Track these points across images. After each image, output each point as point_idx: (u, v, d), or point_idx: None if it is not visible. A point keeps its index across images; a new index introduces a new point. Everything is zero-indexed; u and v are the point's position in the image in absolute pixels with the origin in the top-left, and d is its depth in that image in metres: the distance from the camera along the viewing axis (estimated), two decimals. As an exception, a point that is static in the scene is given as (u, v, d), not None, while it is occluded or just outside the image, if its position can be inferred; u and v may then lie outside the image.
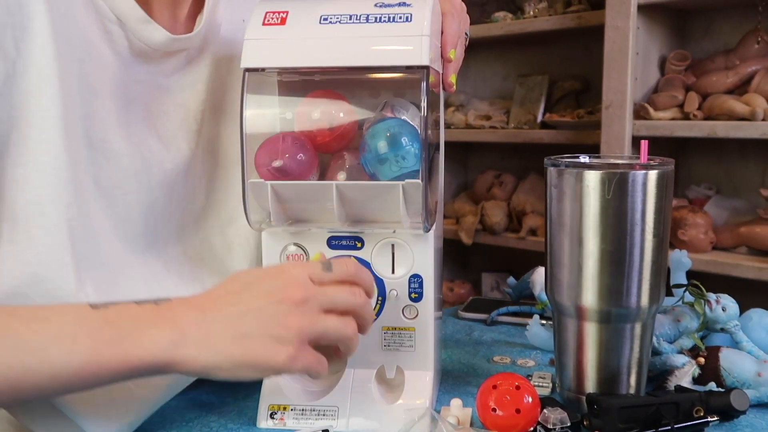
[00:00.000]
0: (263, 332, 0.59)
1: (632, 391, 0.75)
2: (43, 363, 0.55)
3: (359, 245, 0.73)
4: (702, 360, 0.81)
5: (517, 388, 0.69)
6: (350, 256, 0.73)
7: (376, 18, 0.69)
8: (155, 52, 0.72)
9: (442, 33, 0.75)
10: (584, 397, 0.73)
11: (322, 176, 0.73)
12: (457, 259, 2.67)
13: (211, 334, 0.58)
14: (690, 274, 0.97)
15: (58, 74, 0.61)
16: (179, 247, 0.78)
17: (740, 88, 1.83)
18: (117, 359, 0.56)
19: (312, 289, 0.61)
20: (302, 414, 0.74)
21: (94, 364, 0.56)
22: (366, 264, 0.73)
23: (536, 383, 0.83)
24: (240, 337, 0.58)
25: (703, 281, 0.86)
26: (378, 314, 0.74)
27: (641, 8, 1.85)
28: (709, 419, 0.71)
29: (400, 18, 0.69)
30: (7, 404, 0.57)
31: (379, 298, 0.73)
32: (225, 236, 0.81)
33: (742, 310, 0.87)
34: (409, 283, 0.73)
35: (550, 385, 0.84)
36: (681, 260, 0.97)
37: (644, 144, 0.74)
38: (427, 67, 0.68)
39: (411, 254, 0.73)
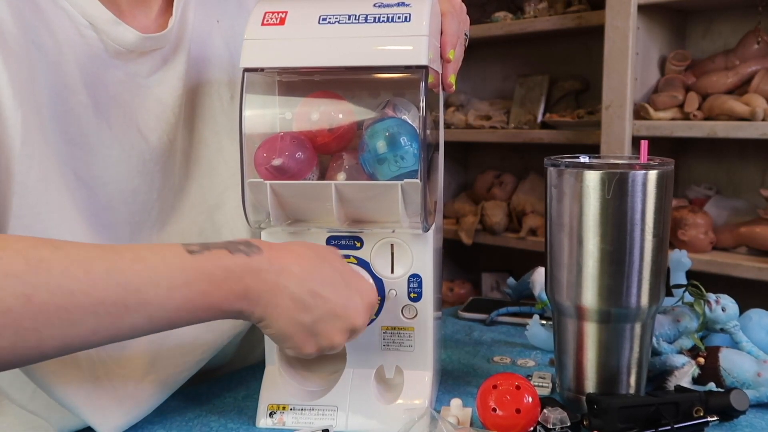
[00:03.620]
0: (316, 332, 0.65)
1: (632, 391, 0.75)
2: (141, 304, 0.57)
3: (358, 245, 0.73)
4: (702, 360, 0.81)
5: (517, 388, 0.69)
6: (349, 255, 0.73)
7: (375, 18, 0.69)
8: (130, 53, 0.74)
9: (441, 33, 0.75)
10: (584, 397, 0.73)
11: (321, 176, 0.73)
12: (457, 259, 2.66)
13: (277, 312, 0.63)
14: (690, 274, 0.97)
15: (11, 85, 0.63)
16: (164, 233, 0.80)
17: (740, 88, 1.83)
18: (208, 308, 0.61)
19: (365, 324, 0.68)
20: (301, 413, 0.74)
21: (187, 311, 0.60)
22: (365, 264, 0.73)
23: (536, 383, 0.83)
24: (298, 325, 0.64)
25: (703, 281, 0.86)
26: (377, 314, 0.74)
27: (641, 8, 1.85)
28: (709, 419, 0.71)
29: (399, 18, 0.69)
30: (101, 343, 0.59)
31: (379, 298, 0.73)
32: (213, 222, 0.83)
33: (742, 310, 0.87)
34: (408, 282, 0.73)
35: (550, 385, 0.84)
36: (681, 260, 0.97)
37: (644, 144, 0.74)
38: (425, 67, 0.68)
39: (410, 254, 0.73)
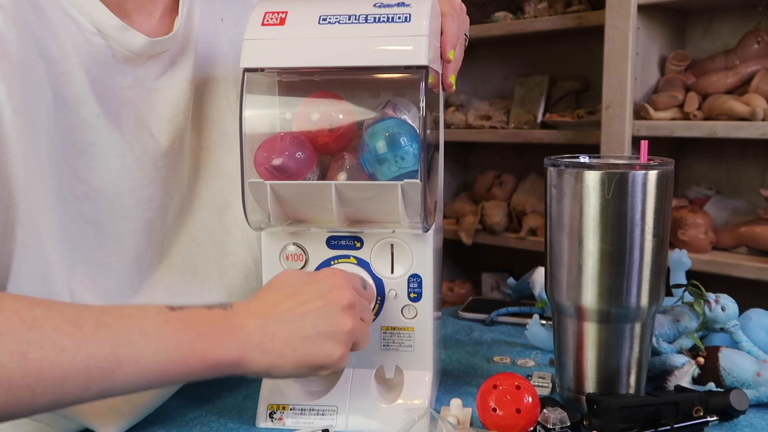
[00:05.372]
0: (320, 332, 0.64)
1: (632, 391, 0.75)
2: (133, 356, 0.57)
3: (358, 245, 0.73)
4: (701, 360, 0.81)
5: (517, 388, 0.69)
6: (349, 255, 0.73)
7: (375, 18, 0.69)
8: (138, 57, 0.74)
9: (441, 33, 0.75)
10: (584, 397, 0.73)
11: (322, 177, 0.73)
12: (457, 259, 2.66)
13: (274, 338, 0.63)
14: (690, 274, 0.97)
15: (14, 117, 0.62)
16: (172, 236, 0.80)
17: (740, 88, 1.83)
18: (196, 358, 0.60)
19: (356, 297, 0.67)
20: (301, 414, 0.74)
21: (176, 361, 0.59)
22: (365, 264, 0.73)
23: (536, 383, 0.83)
24: (299, 340, 0.63)
25: (703, 281, 0.86)
26: (377, 314, 0.74)
27: (641, 8, 1.85)
28: (709, 419, 0.71)
29: (399, 18, 0.69)
30: (93, 398, 0.58)
31: (378, 298, 0.73)
32: (223, 222, 0.83)
33: (742, 310, 0.87)
34: (408, 283, 0.73)
35: (550, 385, 0.84)
36: (681, 260, 0.97)
37: (644, 144, 0.74)
38: (425, 67, 0.68)
39: (410, 254, 0.73)
